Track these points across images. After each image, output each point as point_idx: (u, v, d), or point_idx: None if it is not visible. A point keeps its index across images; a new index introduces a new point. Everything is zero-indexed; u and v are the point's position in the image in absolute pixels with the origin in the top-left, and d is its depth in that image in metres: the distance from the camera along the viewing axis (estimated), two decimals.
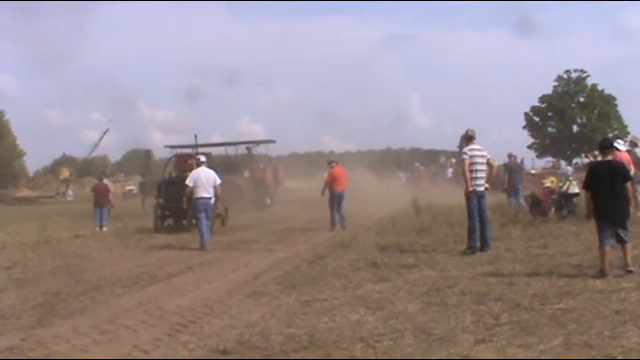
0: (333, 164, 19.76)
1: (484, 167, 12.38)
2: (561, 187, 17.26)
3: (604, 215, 9.14)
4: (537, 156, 64.24)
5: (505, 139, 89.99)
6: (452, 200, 19.94)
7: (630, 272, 8.79)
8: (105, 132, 73.39)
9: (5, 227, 21.84)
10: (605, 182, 9.18)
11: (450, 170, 39.39)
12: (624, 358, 5.38)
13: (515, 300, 7.60)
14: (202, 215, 15.15)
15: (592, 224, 13.70)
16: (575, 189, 17.00)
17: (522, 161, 29.06)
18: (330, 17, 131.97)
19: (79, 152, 79.80)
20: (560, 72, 69.18)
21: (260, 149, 32.59)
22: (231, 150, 32.72)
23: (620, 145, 16.30)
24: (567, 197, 16.84)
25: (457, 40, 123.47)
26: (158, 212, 20.12)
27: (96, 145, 74.81)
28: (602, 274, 8.76)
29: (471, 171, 12.19)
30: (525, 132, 69.64)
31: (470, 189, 12.13)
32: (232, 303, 8.55)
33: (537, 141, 68.97)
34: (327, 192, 19.16)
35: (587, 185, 9.41)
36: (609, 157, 9.56)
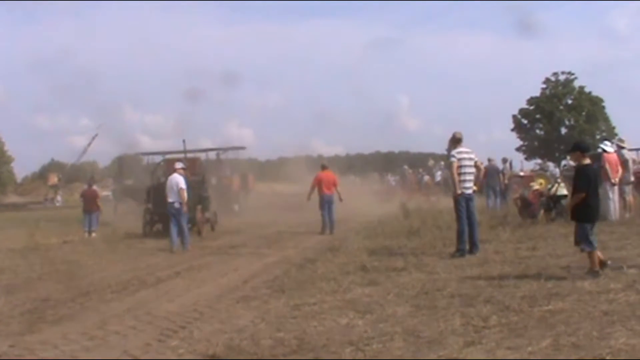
0: (322, 168, 19.81)
1: (472, 170, 12.40)
2: (550, 189, 17.32)
3: (594, 217, 9.25)
4: (526, 158, 64.35)
5: (494, 142, 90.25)
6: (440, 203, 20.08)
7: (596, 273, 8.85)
8: (94, 138, 73.04)
9: None
10: (595, 185, 9.36)
11: (439, 173, 39.42)
12: (612, 358, 5.40)
13: (504, 302, 7.62)
14: (171, 220, 16.04)
15: None
16: (563, 190, 17.08)
17: (510, 163, 29.26)
18: (319, 21, 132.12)
19: (68, 158, 79.43)
20: (548, 74, 69.56)
21: (232, 156, 32.88)
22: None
23: (608, 147, 16.47)
24: (556, 199, 16.91)
25: (446, 42, 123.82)
26: (147, 218, 20.06)
27: (85, 151, 74.51)
28: (595, 274, 8.81)
29: (459, 174, 12.20)
30: (514, 135, 69.97)
31: (459, 191, 12.17)
32: (221, 308, 8.54)
33: (526, 143, 69.19)
34: (315, 196, 19.16)
35: (584, 187, 9.29)
36: (587, 161, 9.65)
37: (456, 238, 12.21)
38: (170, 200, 16.11)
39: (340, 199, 19.28)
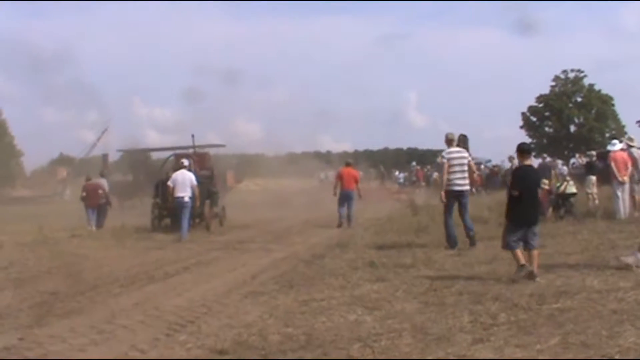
0: (346, 164, 20.94)
1: (464, 169, 12.83)
2: (558, 188, 17.28)
3: (523, 219, 9.16)
4: (535, 156, 64.12)
5: (502, 139, 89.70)
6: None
7: (536, 279, 8.71)
8: (103, 132, 73.04)
9: (2, 227, 21.71)
10: (532, 186, 9.45)
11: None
12: (621, 357, 5.39)
13: (512, 299, 7.61)
14: (181, 212, 17.21)
15: (589, 224, 13.87)
16: (572, 188, 17.07)
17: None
18: (326, 17, 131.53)
19: (77, 152, 79.52)
20: (558, 71, 69.22)
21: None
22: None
23: (614, 146, 16.48)
24: (565, 197, 16.89)
25: (454, 39, 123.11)
26: (155, 212, 20.11)
27: (94, 145, 74.48)
28: (524, 269, 8.79)
29: (450, 173, 12.72)
30: (523, 132, 69.69)
31: (445, 188, 12.74)
32: (229, 303, 8.54)
33: (535, 141, 68.84)
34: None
35: (518, 187, 9.28)
36: (529, 162, 9.74)
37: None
38: (181, 194, 17.12)
39: (360, 196, 20.17)
